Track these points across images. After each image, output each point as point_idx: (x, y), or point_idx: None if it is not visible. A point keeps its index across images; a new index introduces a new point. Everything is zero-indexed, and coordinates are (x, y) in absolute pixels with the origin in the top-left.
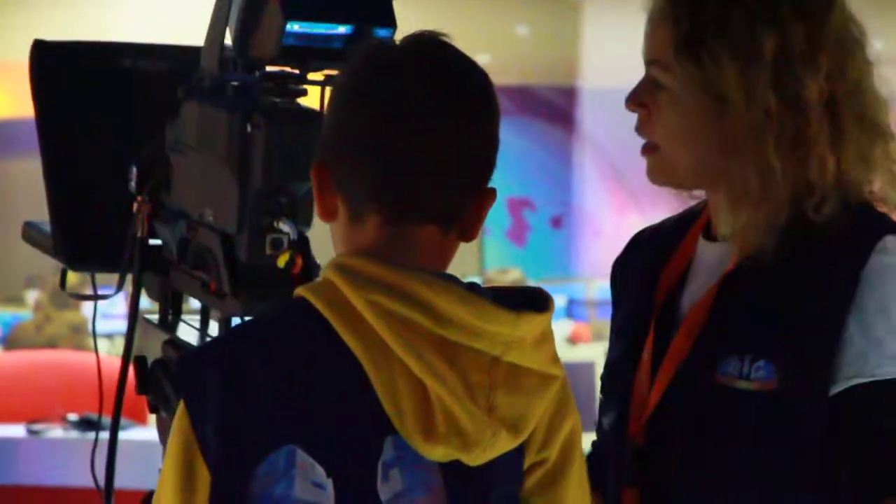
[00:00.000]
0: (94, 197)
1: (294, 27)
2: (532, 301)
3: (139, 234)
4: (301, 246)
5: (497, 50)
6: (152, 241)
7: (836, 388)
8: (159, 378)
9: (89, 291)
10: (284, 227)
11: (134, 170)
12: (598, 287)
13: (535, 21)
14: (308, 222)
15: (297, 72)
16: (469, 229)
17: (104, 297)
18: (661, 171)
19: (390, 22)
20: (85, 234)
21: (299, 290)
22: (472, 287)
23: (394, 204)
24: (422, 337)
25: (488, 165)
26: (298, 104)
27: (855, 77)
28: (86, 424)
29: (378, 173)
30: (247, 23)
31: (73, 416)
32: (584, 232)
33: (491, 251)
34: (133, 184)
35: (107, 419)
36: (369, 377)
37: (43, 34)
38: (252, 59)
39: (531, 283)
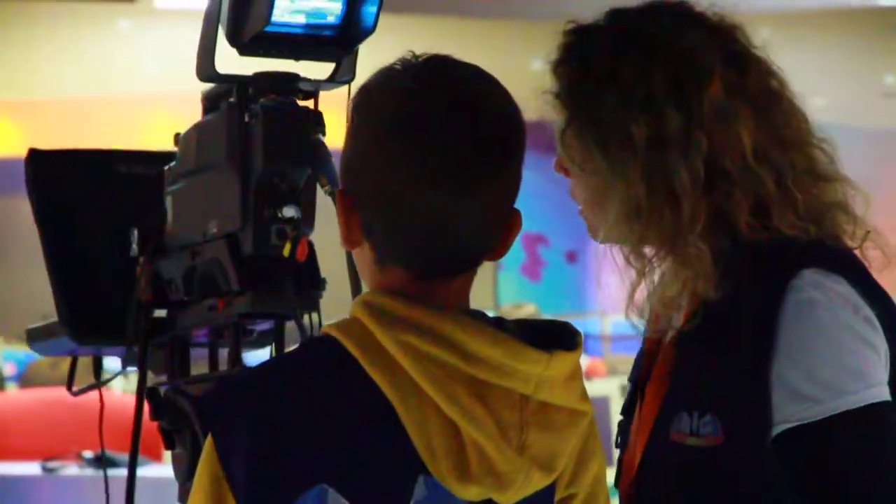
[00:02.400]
0: (97, 272)
1: (284, 1)
2: (561, 337)
3: (144, 298)
4: (306, 233)
5: (512, 85)
6: (156, 314)
7: (772, 435)
8: (174, 400)
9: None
10: (288, 212)
11: (135, 233)
12: (613, 322)
13: (550, 57)
14: (310, 225)
15: (289, 73)
16: (497, 252)
17: (108, 381)
18: (591, 231)
19: None
20: (89, 309)
21: (327, 328)
22: (500, 322)
23: (424, 267)
24: (453, 377)
25: (515, 197)
26: (294, 100)
27: (761, 136)
28: (101, 462)
29: (409, 240)
30: (239, 5)
31: (88, 454)
32: (599, 267)
33: (505, 286)
34: (135, 246)
35: (118, 456)
36: (400, 417)
37: (56, 74)
38: (246, 45)
39: (546, 317)
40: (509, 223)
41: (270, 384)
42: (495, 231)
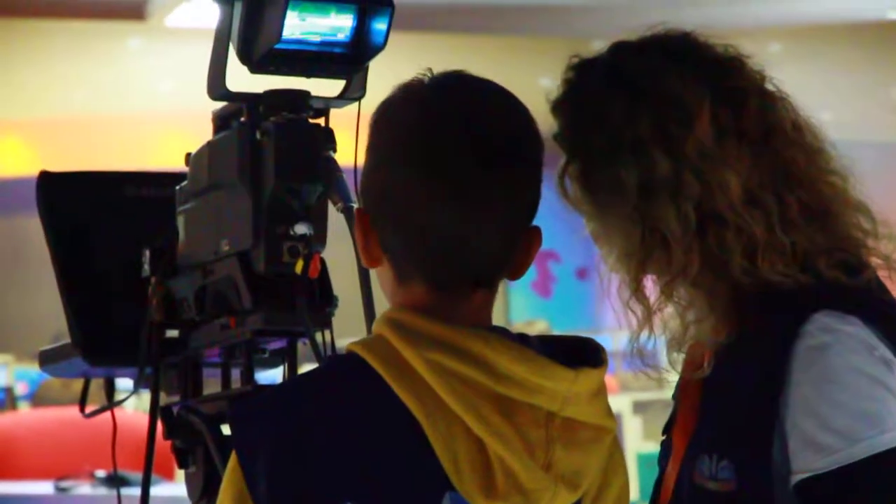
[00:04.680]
0: (109, 294)
1: (294, 19)
2: (585, 353)
3: (156, 318)
4: (319, 256)
5: None
6: (169, 334)
7: (792, 484)
8: (187, 419)
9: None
10: (300, 228)
11: (147, 253)
12: (624, 339)
13: (558, 73)
14: (322, 242)
15: (300, 90)
16: (518, 271)
17: (120, 402)
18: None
19: (388, 2)
20: (102, 330)
21: (351, 346)
22: (524, 338)
23: (442, 277)
24: (479, 394)
25: (533, 212)
26: (305, 117)
27: (753, 175)
28: (113, 481)
29: (425, 250)
30: (250, 23)
31: (100, 473)
32: (609, 283)
33: (517, 302)
34: (146, 266)
35: (131, 475)
36: (426, 434)
37: (67, 93)
38: (257, 62)
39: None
40: (527, 241)
41: (294, 401)
42: (511, 244)
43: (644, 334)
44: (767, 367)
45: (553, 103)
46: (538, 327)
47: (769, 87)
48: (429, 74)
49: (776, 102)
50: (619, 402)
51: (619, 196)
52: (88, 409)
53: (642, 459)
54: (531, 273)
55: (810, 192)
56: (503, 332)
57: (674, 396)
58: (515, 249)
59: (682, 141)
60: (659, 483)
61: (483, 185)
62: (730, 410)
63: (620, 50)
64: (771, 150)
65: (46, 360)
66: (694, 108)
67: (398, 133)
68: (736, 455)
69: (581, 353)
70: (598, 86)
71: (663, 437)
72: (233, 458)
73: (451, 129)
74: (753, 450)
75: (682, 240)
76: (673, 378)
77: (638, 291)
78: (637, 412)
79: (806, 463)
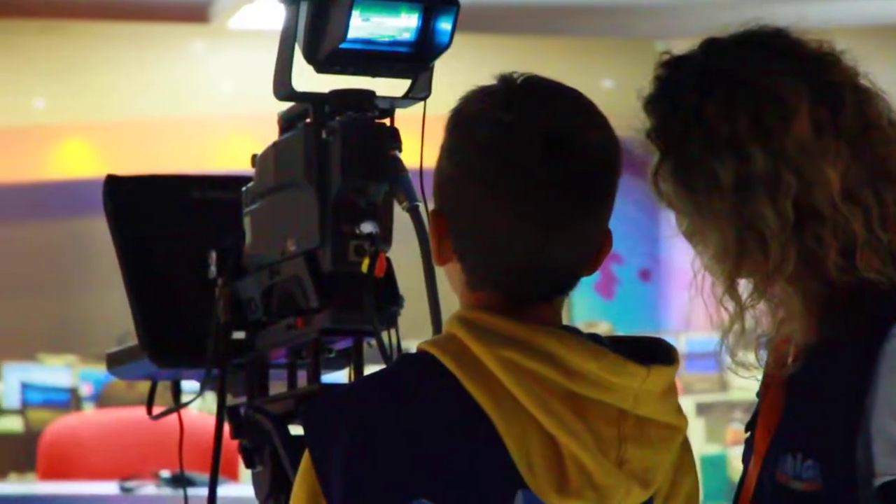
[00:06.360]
0: (176, 296)
1: (359, 19)
2: (656, 352)
3: (222, 320)
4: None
5: None
6: (235, 335)
7: (875, 486)
8: (254, 419)
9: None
10: (366, 227)
11: (213, 255)
12: (688, 340)
13: (620, 74)
14: (388, 241)
15: (366, 90)
16: (588, 271)
17: (185, 404)
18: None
19: (453, 2)
20: (169, 332)
21: (423, 345)
22: (595, 338)
23: (518, 292)
24: (552, 392)
25: (609, 219)
26: (370, 116)
27: (859, 170)
28: (178, 481)
29: (503, 268)
30: (316, 23)
31: (165, 473)
32: (672, 285)
33: (579, 304)
34: (213, 268)
35: (195, 475)
36: (499, 432)
37: (131, 96)
38: (323, 62)
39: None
40: (601, 243)
41: (367, 400)
42: (588, 255)
43: (735, 331)
44: (856, 368)
45: (645, 100)
46: (601, 329)
47: (864, 82)
48: (507, 80)
49: (871, 98)
50: (682, 405)
51: (716, 193)
52: (155, 411)
53: (706, 461)
54: (594, 275)
55: None
56: (575, 332)
57: (758, 394)
58: (591, 257)
59: (781, 136)
60: (742, 480)
61: (568, 213)
62: (816, 410)
63: (714, 46)
64: (868, 146)
65: (113, 362)
66: (792, 104)
67: (480, 153)
68: (821, 455)
69: (652, 353)
70: (693, 82)
71: (747, 435)
72: (306, 457)
73: (535, 149)
74: (839, 450)
75: (780, 236)
76: (742, 378)
77: (731, 289)
78: (700, 414)
79: (890, 466)
